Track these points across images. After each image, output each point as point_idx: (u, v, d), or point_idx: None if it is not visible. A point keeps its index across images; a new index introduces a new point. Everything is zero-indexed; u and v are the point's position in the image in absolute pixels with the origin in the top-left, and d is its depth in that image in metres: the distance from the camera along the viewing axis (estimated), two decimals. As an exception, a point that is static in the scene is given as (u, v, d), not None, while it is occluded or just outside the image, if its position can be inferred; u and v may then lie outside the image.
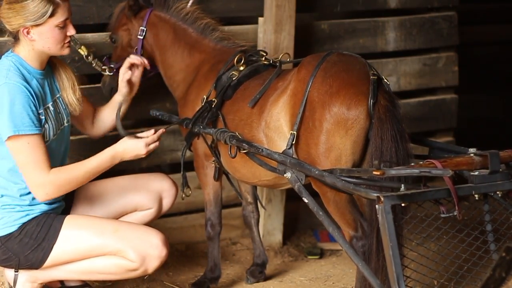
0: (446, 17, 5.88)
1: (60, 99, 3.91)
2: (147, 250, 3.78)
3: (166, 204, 4.22)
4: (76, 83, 3.95)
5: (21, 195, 3.78)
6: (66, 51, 3.83)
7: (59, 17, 3.72)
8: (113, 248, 3.76)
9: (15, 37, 3.77)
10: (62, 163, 3.89)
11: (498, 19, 8.27)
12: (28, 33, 3.71)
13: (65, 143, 3.93)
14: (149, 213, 4.14)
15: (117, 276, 3.87)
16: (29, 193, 3.77)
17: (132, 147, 3.84)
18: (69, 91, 3.92)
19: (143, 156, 3.86)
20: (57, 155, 3.86)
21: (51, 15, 3.70)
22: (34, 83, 3.74)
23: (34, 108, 3.68)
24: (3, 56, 3.82)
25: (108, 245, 3.76)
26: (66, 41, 3.80)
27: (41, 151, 3.67)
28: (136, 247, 3.76)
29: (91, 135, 4.31)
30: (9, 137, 3.63)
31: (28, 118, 3.64)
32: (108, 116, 4.26)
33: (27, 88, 3.67)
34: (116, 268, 3.80)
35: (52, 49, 3.78)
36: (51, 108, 3.83)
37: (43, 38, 3.73)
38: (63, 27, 3.76)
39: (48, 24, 3.71)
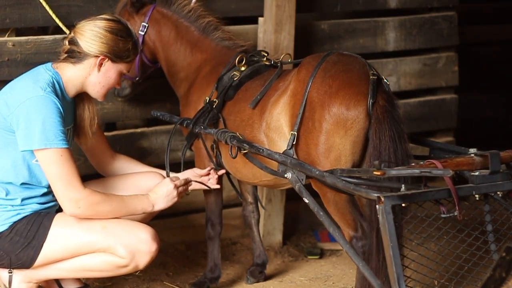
0: (446, 17, 5.88)
1: (71, 130, 3.92)
2: (137, 245, 3.77)
3: None
4: (95, 118, 3.97)
5: (13, 196, 3.78)
6: (103, 98, 3.90)
7: (127, 67, 3.86)
8: (102, 245, 3.75)
9: (81, 56, 3.77)
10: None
11: (498, 19, 8.26)
12: (101, 63, 3.77)
13: None
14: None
15: (108, 273, 3.85)
16: (20, 190, 3.77)
17: (161, 188, 3.88)
18: (87, 123, 3.93)
19: (176, 197, 3.90)
20: None
21: (126, 61, 3.82)
22: (61, 104, 3.74)
23: (64, 125, 3.69)
24: (42, 67, 3.81)
25: (97, 242, 3.75)
26: (109, 90, 3.90)
27: (73, 165, 3.67)
28: (125, 243, 3.75)
29: (100, 172, 4.26)
30: (41, 149, 3.62)
31: (61, 132, 3.64)
32: (128, 168, 4.23)
33: (60, 106, 3.68)
34: (107, 265, 3.79)
35: (103, 89, 3.84)
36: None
37: (105, 75, 3.80)
38: (120, 76, 3.87)
39: (118, 66, 3.82)
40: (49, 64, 3.82)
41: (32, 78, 3.74)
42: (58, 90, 3.73)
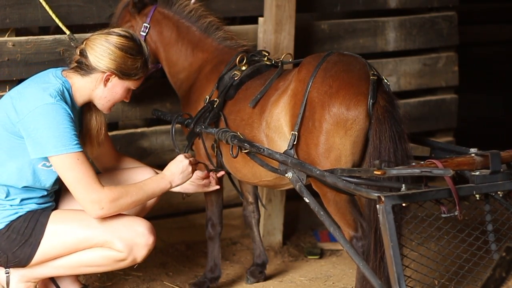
0: (446, 17, 5.88)
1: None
2: (134, 239, 3.77)
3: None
4: (103, 128, 3.97)
5: (12, 196, 3.78)
6: (108, 111, 3.91)
7: (135, 84, 3.85)
8: (100, 240, 3.76)
9: (89, 70, 3.77)
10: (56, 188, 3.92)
11: (498, 19, 8.27)
12: (108, 79, 3.76)
13: None
14: (133, 210, 4.11)
15: (106, 267, 3.85)
16: (20, 192, 3.78)
17: (176, 165, 3.89)
18: (93, 132, 3.93)
19: (191, 173, 3.91)
20: (56, 181, 3.87)
21: (134, 78, 3.80)
22: (71, 111, 3.75)
23: (76, 129, 3.70)
24: (51, 72, 3.81)
25: (95, 236, 3.75)
26: (116, 103, 3.90)
27: (90, 167, 3.68)
28: (123, 236, 3.75)
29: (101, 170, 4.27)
30: (57, 155, 3.62)
31: (75, 136, 3.66)
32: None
33: (70, 112, 3.69)
34: (104, 259, 3.80)
35: (108, 103, 3.84)
36: None
37: (112, 90, 3.80)
38: (128, 92, 3.86)
39: (125, 83, 3.80)
40: (59, 71, 3.82)
41: (41, 84, 3.73)
42: (67, 98, 3.73)
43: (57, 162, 3.65)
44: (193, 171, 3.91)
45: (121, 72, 3.76)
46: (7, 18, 4.49)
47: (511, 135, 6.64)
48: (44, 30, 4.86)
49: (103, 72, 3.75)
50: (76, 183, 3.65)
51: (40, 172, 3.76)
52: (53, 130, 3.61)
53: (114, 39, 3.75)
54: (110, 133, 4.87)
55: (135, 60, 3.77)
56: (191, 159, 3.91)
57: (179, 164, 3.88)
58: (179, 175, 3.87)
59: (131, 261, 3.81)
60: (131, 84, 3.83)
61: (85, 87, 3.79)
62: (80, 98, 3.81)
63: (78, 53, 3.80)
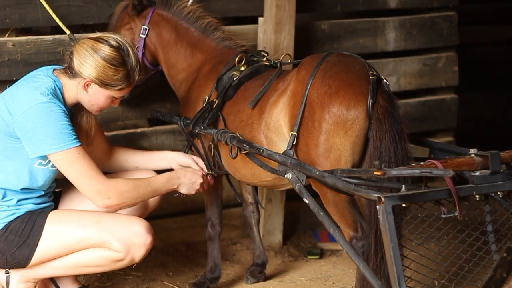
0: (446, 17, 5.88)
1: None
2: (131, 239, 3.78)
3: (152, 199, 4.16)
4: (93, 129, 3.98)
5: (9, 197, 3.79)
6: (98, 113, 3.93)
7: (119, 93, 3.85)
8: (97, 240, 3.77)
9: (73, 73, 3.78)
10: (50, 188, 3.93)
11: (498, 19, 8.25)
12: (88, 85, 3.77)
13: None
14: (134, 210, 4.10)
15: (104, 267, 3.86)
16: (17, 193, 3.78)
17: (190, 175, 4.05)
18: (83, 134, 3.93)
19: (199, 185, 4.07)
20: (52, 180, 3.88)
21: (115, 89, 3.81)
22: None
23: (71, 125, 3.72)
24: (42, 71, 3.83)
25: (92, 237, 3.76)
26: (105, 108, 3.91)
27: (91, 160, 3.72)
28: (120, 236, 3.76)
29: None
30: (58, 152, 3.65)
31: (72, 131, 3.68)
32: (128, 160, 4.27)
33: (64, 108, 3.71)
34: (102, 260, 3.80)
35: (93, 107, 3.86)
36: None
37: (93, 97, 3.81)
38: (111, 100, 3.87)
39: (108, 92, 3.81)
40: (50, 70, 3.83)
41: (32, 84, 3.75)
42: (59, 97, 3.75)
43: (59, 159, 3.67)
44: (199, 187, 4.07)
45: (101, 81, 3.76)
46: (7, 18, 4.50)
47: (511, 135, 6.64)
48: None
49: (84, 78, 3.76)
50: (80, 177, 3.69)
51: (37, 171, 3.76)
52: (50, 128, 3.62)
53: (99, 46, 3.75)
54: (110, 133, 4.89)
55: (116, 71, 3.76)
56: (205, 177, 4.09)
57: (192, 176, 4.03)
58: (187, 183, 4.02)
59: (129, 261, 3.81)
60: (114, 93, 3.83)
61: (71, 89, 3.81)
62: (69, 99, 3.83)
63: (69, 54, 3.81)
